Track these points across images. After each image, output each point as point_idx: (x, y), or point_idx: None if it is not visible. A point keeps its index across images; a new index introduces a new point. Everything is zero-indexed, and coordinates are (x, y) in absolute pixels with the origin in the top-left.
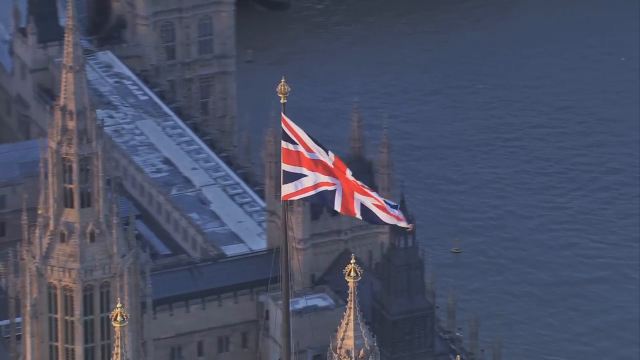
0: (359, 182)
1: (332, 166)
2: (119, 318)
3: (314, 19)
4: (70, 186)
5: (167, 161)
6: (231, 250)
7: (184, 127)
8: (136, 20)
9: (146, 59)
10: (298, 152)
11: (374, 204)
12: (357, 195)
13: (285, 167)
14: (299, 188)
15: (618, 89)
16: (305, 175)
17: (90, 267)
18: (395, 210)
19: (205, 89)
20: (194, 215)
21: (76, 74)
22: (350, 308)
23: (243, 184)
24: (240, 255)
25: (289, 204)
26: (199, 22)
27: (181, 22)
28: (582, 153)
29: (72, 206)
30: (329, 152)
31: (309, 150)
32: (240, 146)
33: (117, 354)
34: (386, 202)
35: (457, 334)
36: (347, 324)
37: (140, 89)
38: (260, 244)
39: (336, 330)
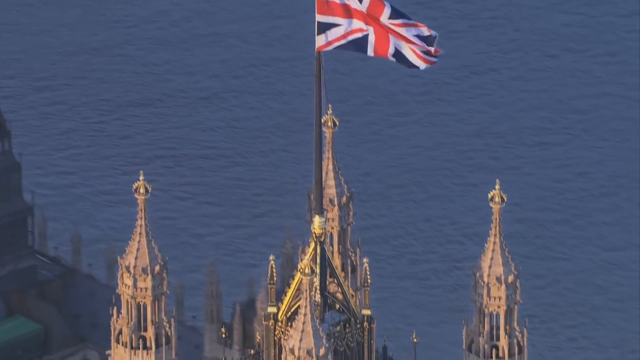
0: (396, 24)
1: (365, 12)
2: (141, 190)
3: None
4: None
5: None
6: None
7: None
8: None
9: None
10: (331, 2)
11: (410, 49)
12: (392, 39)
13: (318, 17)
14: (331, 38)
15: None
16: (339, 25)
17: None
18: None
19: None
20: None
21: None
22: (328, 158)
23: None
24: None
25: None
26: None
27: None
28: None
29: None
30: None
31: None
32: None
33: (140, 225)
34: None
35: None
36: (326, 173)
37: None
38: None
39: None
